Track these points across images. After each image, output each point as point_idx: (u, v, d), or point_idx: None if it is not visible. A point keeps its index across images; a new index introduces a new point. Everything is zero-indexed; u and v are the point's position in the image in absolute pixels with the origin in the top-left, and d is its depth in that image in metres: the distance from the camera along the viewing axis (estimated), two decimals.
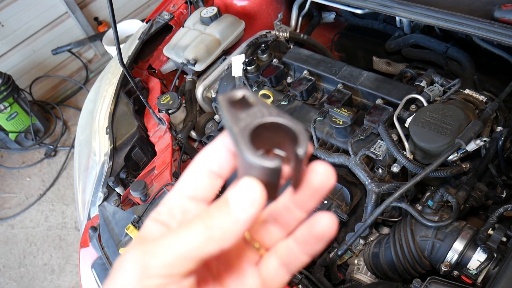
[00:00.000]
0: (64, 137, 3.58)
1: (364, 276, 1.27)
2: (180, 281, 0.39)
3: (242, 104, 0.42)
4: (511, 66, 1.45)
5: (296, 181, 0.41)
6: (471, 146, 1.17)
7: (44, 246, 2.94)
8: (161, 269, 0.38)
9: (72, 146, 3.39)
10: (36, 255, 2.91)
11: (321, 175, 0.42)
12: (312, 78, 1.54)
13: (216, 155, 0.45)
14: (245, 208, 0.38)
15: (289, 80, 1.62)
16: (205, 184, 0.45)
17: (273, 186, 0.39)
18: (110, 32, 3.59)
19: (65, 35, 3.67)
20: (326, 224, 0.44)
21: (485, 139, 1.17)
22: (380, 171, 1.26)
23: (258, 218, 0.39)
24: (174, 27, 1.96)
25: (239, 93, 0.42)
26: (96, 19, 3.80)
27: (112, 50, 3.43)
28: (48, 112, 3.72)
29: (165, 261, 0.38)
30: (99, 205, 1.50)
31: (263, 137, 0.40)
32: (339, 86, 1.47)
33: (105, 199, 1.52)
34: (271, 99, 1.52)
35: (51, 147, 3.45)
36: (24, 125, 3.39)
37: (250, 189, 0.38)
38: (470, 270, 1.07)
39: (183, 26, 1.89)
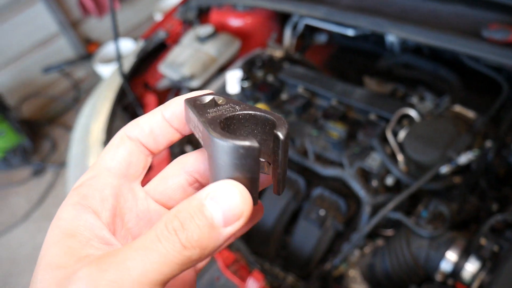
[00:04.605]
0: (52, 156, 3.55)
1: (359, 286, 1.28)
2: None
3: (212, 105, 0.38)
4: (498, 85, 1.52)
5: (278, 182, 0.37)
6: (462, 159, 1.21)
7: (30, 266, 2.88)
8: None
9: (61, 165, 3.36)
10: (21, 275, 2.85)
11: None
12: (307, 94, 1.58)
13: (152, 128, 0.39)
14: (231, 221, 0.31)
15: (284, 96, 1.66)
16: (138, 160, 0.39)
17: (253, 185, 0.33)
18: (102, 51, 3.62)
19: (56, 54, 3.69)
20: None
21: (475, 152, 1.22)
22: (374, 183, 1.29)
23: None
24: (169, 45, 2.00)
25: (207, 97, 0.38)
26: (87, 39, 3.84)
27: (103, 69, 3.45)
28: (37, 131, 3.70)
29: None
30: None
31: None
32: (334, 102, 1.51)
33: None
34: None
35: (39, 165, 3.41)
36: (12, 143, 3.36)
37: (237, 198, 0.31)
38: (464, 278, 1.09)
39: (179, 44, 1.92)
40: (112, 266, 0.30)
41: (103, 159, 0.38)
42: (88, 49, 3.84)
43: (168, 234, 0.31)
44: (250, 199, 0.32)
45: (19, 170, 3.49)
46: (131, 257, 0.30)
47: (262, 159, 0.38)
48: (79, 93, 3.93)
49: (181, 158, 0.41)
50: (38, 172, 3.41)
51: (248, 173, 0.33)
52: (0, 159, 3.36)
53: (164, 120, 0.39)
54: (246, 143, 0.31)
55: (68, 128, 3.66)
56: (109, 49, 3.64)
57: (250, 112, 0.36)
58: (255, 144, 0.31)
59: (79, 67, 3.87)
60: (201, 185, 0.41)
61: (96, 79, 3.88)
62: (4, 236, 3.07)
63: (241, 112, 0.36)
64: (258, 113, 0.36)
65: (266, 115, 0.36)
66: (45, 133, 3.73)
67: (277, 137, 0.34)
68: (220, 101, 0.37)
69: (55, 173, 3.38)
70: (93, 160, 1.67)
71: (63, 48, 3.72)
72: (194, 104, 0.37)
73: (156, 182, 0.42)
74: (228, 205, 0.31)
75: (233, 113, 0.36)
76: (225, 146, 0.31)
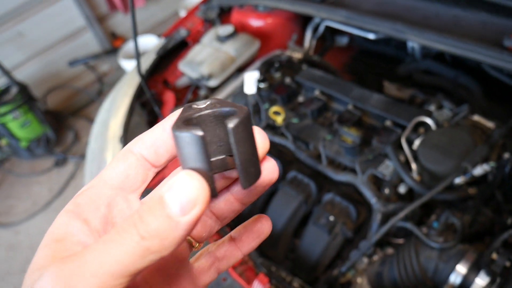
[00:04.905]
0: (74, 148, 3.63)
1: None
2: None
3: (202, 109, 0.39)
4: None
5: (240, 175, 0.37)
6: (478, 171, 1.19)
7: None
8: None
9: (82, 157, 3.43)
10: None
11: (266, 171, 0.40)
12: (323, 98, 1.57)
13: (153, 141, 0.40)
14: (187, 209, 0.31)
15: (301, 99, 1.65)
16: (137, 173, 0.40)
17: (207, 175, 0.34)
18: (127, 46, 3.68)
19: (82, 48, 3.76)
20: (265, 222, 0.47)
21: (491, 164, 1.19)
22: (386, 191, 1.28)
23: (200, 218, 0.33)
24: (190, 43, 2.02)
25: (207, 101, 0.39)
26: (113, 34, 3.90)
27: (126, 64, 3.50)
28: (60, 122, 3.79)
29: (94, 285, 0.31)
30: None
31: (215, 147, 0.37)
32: (350, 106, 1.50)
33: None
34: (282, 116, 1.55)
35: (61, 156, 3.49)
36: (36, 133, 3.44)
37: (191, 185, 0.32)
38: None
39: (199, 43, 1.94)
40: (74, 260, 0.32)
41: (104, 172, 0.40)
42: (113, 43, 3.90)
43: (128, 226, 0.32)
44: (205, 187, 0.32)
45: (42, 160, 3.58)
46: (91, 251, 0.32)
47: (230, 155, 0.39)
48: (102, 87, 4.00)
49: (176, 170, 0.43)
50: (60, 162, 3.49)
51: (200, 162, 0.34)
52: (25, 148, 3.45)
53: (165, 132, 0.40)
54: (189, 132, 0.33)
55: (91, 120, 3.73)
56: (133, 44, 3.69)
57: (213, 110, 0.37)
58: (198, 132, 0.33)
59: (104, 61, 3.94)
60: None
61: (119, 74, 3.95)
62: (26, 223, 3.16)
63: (206, 112, 0.37)
64: (218, 109, 0.37)
65: (226, 109, 0.37)
66: (69, 124, 3.81)
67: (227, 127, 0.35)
68: (211, 104, 0.38)
69: (76, 164, 3.46)
70: (110, 155, 1.70)
71: (89, 42, 3.79)
72: (186, 109, 0.38)
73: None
74: (183, 194, 0.31)
75: (199, 113, 0.37)
76: (176, 137, 0.34)
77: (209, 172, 0.35)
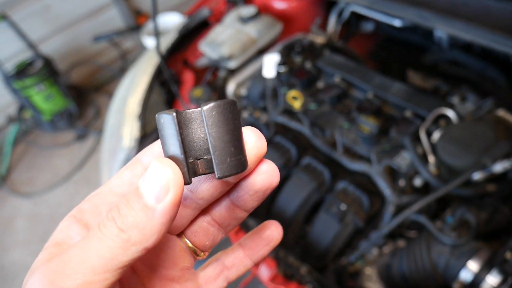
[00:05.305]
0: (96, 123, 3.68)
1: (374, 285, 1.26)
2: None
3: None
4: None
5: (215, 164, 0.35)
6: (497, 167, 1.15)
7: None
8: None
9: (102, 132, 3.48)
10: None
11: (265, 175, 0.39)
12: (343, 85, 1.54)
13: (162, 150, 0.40)
14: (161, 196, 0.31)
15: (320, 85, 1.63)
16: None
17: (178, 160, 0.35)
18: (150, 24, 3.68)
19: (106, 24, 3.78)
20: (274, 229, 0.46)
21: None
22: (401, 183, 1.25)
23: (178, 206, 0.33)
24: (212, 23, 2.00)
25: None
26: (137, 11, 3.90)
27: (149, 42, 3.50)
28: (83, 97, 3.83)
29: (78, 282, 0.31)
30: None
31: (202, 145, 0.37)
32: (370, 95, 1.47)
33: None
34: (300, 101, 1.53)
35: (82, 131, 3.54)
36: (59, 107, 3.49)
37: (162, 171, 0.31)
38: None
39: (221, 23, 1.92)
40: (59, 259, 0.32)
41: (111, 180, 0.41)
42: (137, 20, 3.91)
43: (107, 221, 0.32)
44: (177, 172, 0.32)
45: (64, 133, 3.64)
46: (74, 248, 0.32)
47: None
48: (125, 63, 4.02)
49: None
50: (81, 137, 3.54)
51: (174, 146, 0.34)
52: (48, 121, 3.52)
53: None
54: (165, 113, 0.34)
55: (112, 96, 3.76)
56: (157, 22, 3.69)
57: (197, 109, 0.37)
58: (172, 113, 0.34)
59: (127, 38, 3.95)
60: (191, 198, 0.41)
61: (143, 51, 3.96)
62: (47, 194, 3.23)
63: (197, 110, 0.37)
64: (199, 108, 0.37)
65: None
66: (91, 100, 3.86)
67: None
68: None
69: (96, 139, 3.50)
70: (128, 132, 1.71)
71: (114, 18, 3.81)
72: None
73: None
74: (155, 181, 0.31)
75: (191, 111, 0.37)
76: (157, 121, 0.35)
77: (184, 158, 0.35)
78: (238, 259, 0.46)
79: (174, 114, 0.34)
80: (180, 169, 0.33)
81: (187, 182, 0.34)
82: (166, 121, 0.35)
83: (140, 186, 0.32)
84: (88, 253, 0.31)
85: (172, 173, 0.32)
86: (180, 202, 0.33)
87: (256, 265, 1.15)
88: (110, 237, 0.31)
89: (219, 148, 0.35)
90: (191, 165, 0.36)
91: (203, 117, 0.35)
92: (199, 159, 0.36)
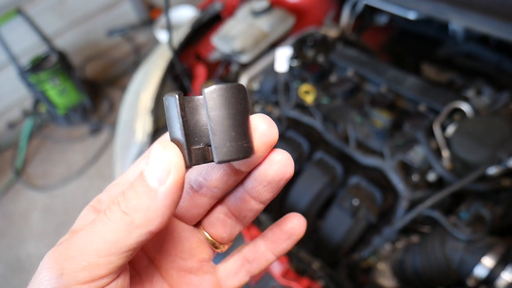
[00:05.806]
0: (109, 117, 3.71)
1: (387, 281, 1.25)
2: (108, 282, 0.33)
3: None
4: None
5: (213, 148, 0.35)
6: None
7: None
8: (80, 274, 0.32)
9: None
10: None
11: (278, 165, 0.38)
12: (356, 78, 1.53)
13: None
14: (163, 178, 0.31)
15: (333, 79, 1.61)
16: None
17: (180, 143, 0.35)
18: (164, 18, 3.68)
19: (120, 18, 3.79)
20: (297, 222, 0.45)
21: None
22: (415, 178, 1.24)
23: (183, 187, 0.33)
24: (224, 17, 1.99)
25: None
26: (150, 5, 3.91)
27: (162, 36, 3.51)
28: (97, 91, 3.86)
29: (83, 264, 0.32)
30: None
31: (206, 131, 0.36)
32: (383, 89, 1.45)
33: None
34: (312, 95, 1.52)
35: (97, 125, 3.58)
36: (74, 101, 3.53)
37: (162, 152, 0.32)
38: (498, 287, 1.03)
39: (233, 17, 1.91)
40: (67, 241, 0.34)
41: (128, 170, 0.42)
42: (151, 14, 3.92)
43: (112, 205, 0.33)
44: (177, 154, 0.32)
45: (78, 128, 3.68)
46: (80, 232, 0.33)
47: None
48: (139, 58, 4.03)
49: None
50: (95, 131, 3.57)
51: (177, 129, 0.34)
52: (62, 115, 3.55)
53: None
54: (169, 94, 0.34)
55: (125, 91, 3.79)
56: (171, 16, 3.69)
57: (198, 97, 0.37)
58: (175, 94, 0.34)
59: (141, 32, 3.97)
60: (206, 187, 0.41)
61: (156, 45, 3.97)
62: (61, 188, 3.27)
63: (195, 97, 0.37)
64: (200, 95, 0.37)
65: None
66: (105, 94, 3.89)
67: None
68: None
69: (110, 133, 3.53)
70: (141, 126, 1.72)
71: (127, 12, 3.82)
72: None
73: None
74: (157, 164, 0.31)
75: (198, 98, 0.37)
76: (163, 103, 0.35)
77: (184, 141, 0.34)
78: (259, 253, 0.46)
79: (177, 96, 0.34)
80: (182, 151, 0.33)
81: (186, 165, 0.34)
82: (170, 102, 0.35)
83: (144, 170, 0.32)
84: (93, 236, 0.32)
85: (174, 155, 0.32)
86: (183, 185, 0.33)
87: None
88: (114, 220, 0.32)
89: (218, 131, 0.34)
90: (200, 150, 0.35)
91: (204, 100, 0.35)
92: (210, 145, 0.36)
